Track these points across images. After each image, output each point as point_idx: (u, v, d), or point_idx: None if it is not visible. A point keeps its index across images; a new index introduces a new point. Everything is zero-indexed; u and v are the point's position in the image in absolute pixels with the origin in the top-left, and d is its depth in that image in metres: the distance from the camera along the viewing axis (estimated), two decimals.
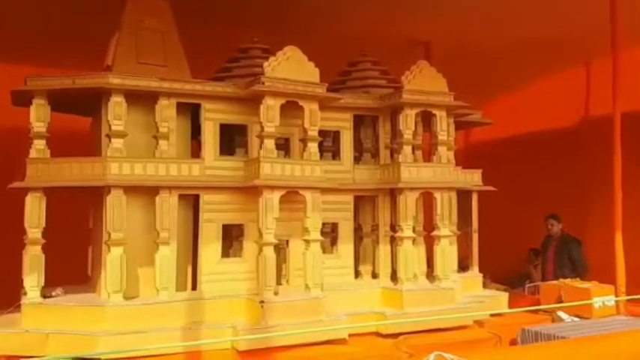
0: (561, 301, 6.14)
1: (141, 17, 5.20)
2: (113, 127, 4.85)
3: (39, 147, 4.87)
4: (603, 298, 6.04)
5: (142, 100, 5.01)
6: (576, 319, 5.78)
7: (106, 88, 4.81)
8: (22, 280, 4.79)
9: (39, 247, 4.80)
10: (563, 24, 7.75)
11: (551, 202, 9.20)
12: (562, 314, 5.81)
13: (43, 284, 4.82)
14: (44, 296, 4.85)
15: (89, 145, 5.44)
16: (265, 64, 5.13)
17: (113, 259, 4.76)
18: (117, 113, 4.84)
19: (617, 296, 6.14)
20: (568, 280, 6.65)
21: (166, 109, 5.04)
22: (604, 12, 6.63)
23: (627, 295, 6.15)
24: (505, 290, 6.81)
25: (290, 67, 5.18)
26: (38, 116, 4.86)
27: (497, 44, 8.34)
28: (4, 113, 5.55)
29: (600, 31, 6.83)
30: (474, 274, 6.63)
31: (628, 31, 6.70)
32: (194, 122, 5.36)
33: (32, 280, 4.77)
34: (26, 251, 4.79)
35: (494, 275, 7.36)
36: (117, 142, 4.86)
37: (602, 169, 6.80)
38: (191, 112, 5.33)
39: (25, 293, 4.78)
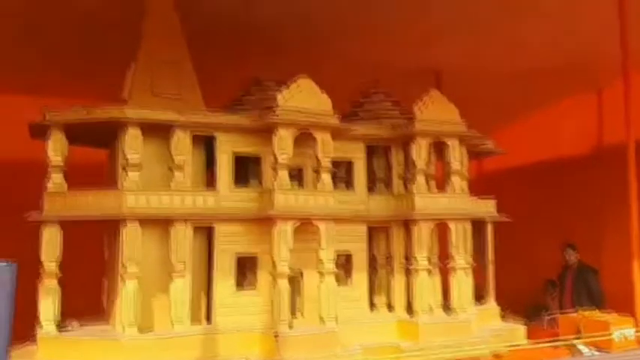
0: (580, 334, 6.03)
1: (156, 50, 5.29)
2: (129, 159, 4.89)
3: (56, 180, 4.92)
4: (623, 331, 5.92)
5: (158, 131, 5.06)
6: (596, 352, 5.67)
7: (122, 120, 4.87)
8: (37, 313, 4.79)
9: (55, 280, 4.81)
10: (574, 51, 7.80)
11: (567, 231, 9.12)
12: (581, 347, 5.71)
13: (58, 317, 4.81)
14: (60, 329, 4.84)
15: (106, 177, 5.48)
16: (278, 95, 5.18)
17: (128, 291, 4.75)
18: (133, 145, 4.88)
19: (636, 328, 6.02)
20: (586, 312, 6.54)
21: (182, 141, 5.07)
22: (614, 39, 6.66)
23: None
24: (524, 323, 6.70)
25: (303, 97, 5.23)
26: (55, 149, 4.92)
27: (508, 72, 8.39)
28: (20, 145, 5.62)
29: (611, 58, 6.86)
30: (491, 305, 6.54)
31: (639, 57, 6.71)
32: (208, 153, 5.39)
33: (48, 313, 4.77)
34: (42, 284, 4.80)
35: (510, 306, 7.25)
36: (133, 174, 4.89)
37: (617, 196, 6.75)
38: (205, 143, 5.37)
39: (41, 326, 4.77)
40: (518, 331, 6.23)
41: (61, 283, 4.84)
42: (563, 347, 5.90)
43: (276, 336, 4.81)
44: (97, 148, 5.79)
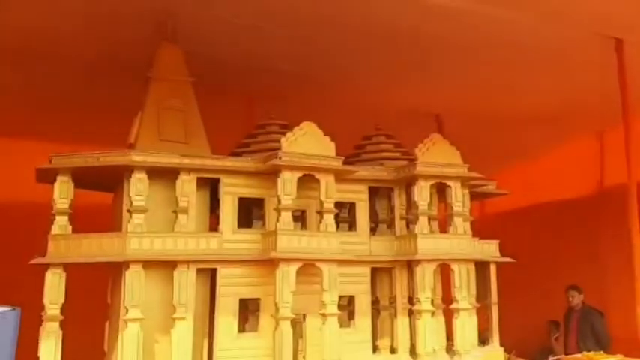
0: None
1: (163, 96, 5.42)
2: (134, 203, 4.94)
3: (61, 223, 4.96)
4: None
5: (163, 175, 5.13)
6: None
7: (129, 165, 4.94)
8: (38, 356, 4.77)
9: (57, 324, 4.80)
10: (574, 94, 7.92)
11: (570, 273, 9.08)
12: None
13: None
14: None
15: (111, 220, 5.53)
16: (282, 139, 5.26)
17: (130, 335, 4.73)
18: (139, 189, 4.94)
19: None
20: (592, 354, 6.47)
21: (187, 184, 5.14)
22: (613, 82, 6.77)
23: None
24: None
25: (306, 141, 5.31)
26: (62, 193, 4.97)
27: (508, 115, 8.51)
28: (22, 188, 5.69)
29: (611, 102, 6.96)
30: (495, 347, 6.47)
31: (638, 101, 6.81)
32: (212, 196, 5.45)
33: (49, 357, 4.74)
34: (44, 327, 4.78)
35: (515, 348, 7.18)
36: (138, 218, 4.93)
37: (619, 239, 6.75)
38: (210, 187, 5.43)
39: None
40: None
41: (63, 326, 4.82)
42: None
43: None
44: (101, 192, 5.85)
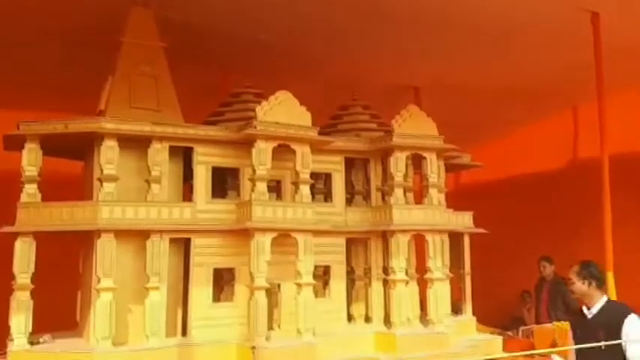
0: (555, 345, 6.08)
1: (134, 62, 5.29)
2: (105, 171, 4.85)
3: (30, 191, 4.86)
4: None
5: (135, 144, 5.04)
6: None
7: (98, 132, 4.84)
8: (8, 327, 4.70)
9: (27, 293, 4.74)
10: (550, 69, 7.95)
11: (543, 243, 9.22)
12: (556, 358, 5.75)
13: (30, 331, 4.73)
14: (31, 343, 4.76)
15: (81, 189, 5.43)
16: (257, 107, 5.19)
17: (102, 304, 4.69)
18: (109, 157, 4.85)
19: None
20: (562, 324, 6.60)
21: (159, 153, 5.06)
22: (589, 57, 6.80)
23: None
24: (499, 334, 6.74)
25: (282, 111, 5.25)
26: (30, 160, 4.87)
27: (485, 89, 8.52)
28: None
29: (586, 76, 7.00)
30: (468, 316, 6.57)
31: (612, 75, 6.86)
32: (186, 166, 5.38)
33: (19, 327, 4.69)
34: (14, 297, 4.72)
35: (487, 318, 7.30)
36: (108, 186, 4.85)
37: (591, 210, 6.86)
38: (183, 156, 5.36)
39: (12, 340, 4.68)
40: (494, 342, 6.27)
41: (34, 296, 4.75)
42: (538, 358, 5.94)
43: (253, 349, 4.77)
44: (72, 160, 5.74)
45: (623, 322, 3.62)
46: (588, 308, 3.70)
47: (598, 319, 3.67)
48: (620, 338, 3.58)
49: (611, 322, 3.65)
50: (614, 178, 6.58)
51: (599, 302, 3.70)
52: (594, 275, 3.80)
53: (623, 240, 6.80)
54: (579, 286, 3.77)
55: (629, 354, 3.57)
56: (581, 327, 3.73)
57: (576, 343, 3.79)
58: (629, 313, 3.63)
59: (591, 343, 3.53)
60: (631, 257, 7.40)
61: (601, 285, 3.80)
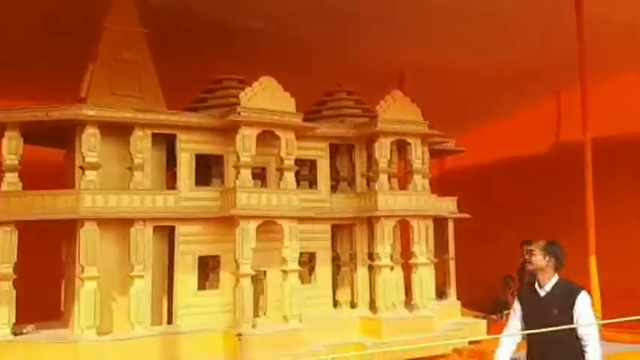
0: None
1: (116, 49, 5.21)
2: (87, 159, 4.80)
3: (11, 180, 4.79)
4: None
5: (117, 131, 4.98)
6: None
7: (80, 119, 4.77)
8: None
9: (10, 283, 4.68)
10: (534, 55, 7.95)
11: (526, 228, 9.28)
12: None
13: (14, 321, 4.69)
14: (15, 334, 4.71)
15: (62, 178, 5.37)
16: (241, 94, 5.16)
17: (87, 293, 4.65)
18: (91, 145, 4.79)
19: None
20: None
21: (141, 140, 5.00)
22: (572, 44, 6.81)
23: (603, 319, 6.18)
24: (483, 317, 6.81)
25: (266, 97, 5.21)
26: (10, 149, 4.80)
27: (470, 75, 8.51)
28: None
29: (569, 63, 7.01)
30: (452, 301, 6.63)
31: (595, 61, 6.89)
32: (169, 153, 5.33)
33: (2, 317, 4.64)
34: None
35: (471, 302, 7.36)
36: (90, 174, 4.80)
37: (574, 194, 6.90)
38: (166, 144, 5.30)
39: None
40: (479, 326, 6.34)
41: (17, 286, 4.70)
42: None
43: (239, 336, 4.77)
44: (53, 148, 5.66)
45: (575, 299, 3.71)
46: (541, 286, 3.78)
47: (551, 297, 3.75)
48: (572, 315, 3.68)
49: (563, 299, 3.73)
50: (597, 162, 6.62)
51: (551, 281, 3.78)
52: (556, 255, 3.87)
53: (606, 222, 6.86)
54: (539, 259, 3.84)
55: (580, 330, 3.68)
56: (533, 304, 3.81)
57: (526, 320, 3.88)
58: (580, 291, 3.73)
59: (545, 320, 3.61)
60: (612, 239, 7.46)
61: (558, 267, 3.87)
